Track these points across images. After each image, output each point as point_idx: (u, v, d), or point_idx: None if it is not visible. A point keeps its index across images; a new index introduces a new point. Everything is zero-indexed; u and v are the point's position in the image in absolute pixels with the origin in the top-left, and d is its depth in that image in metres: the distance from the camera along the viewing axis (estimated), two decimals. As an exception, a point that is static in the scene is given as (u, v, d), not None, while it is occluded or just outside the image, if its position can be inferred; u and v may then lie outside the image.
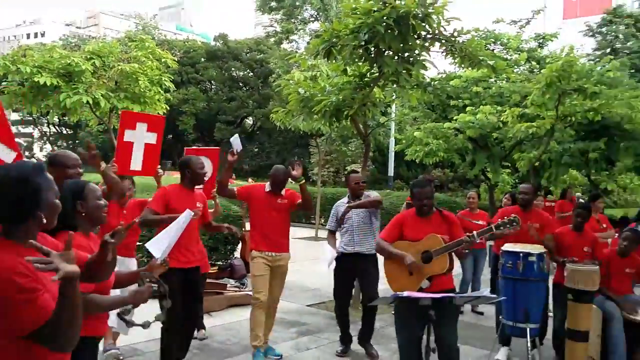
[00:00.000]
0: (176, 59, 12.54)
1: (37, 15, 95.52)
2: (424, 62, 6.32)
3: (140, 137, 4.82)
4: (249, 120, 41.97)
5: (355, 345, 5.30)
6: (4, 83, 11.48)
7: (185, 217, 3.26)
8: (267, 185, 4.93)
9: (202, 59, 39.96)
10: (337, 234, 5.39)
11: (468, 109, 13.48)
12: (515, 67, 15.54)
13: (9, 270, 1.68)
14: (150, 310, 2.80)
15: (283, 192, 4.93)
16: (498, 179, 15.66)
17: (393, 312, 6.62)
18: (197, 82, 39.36)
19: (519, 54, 15.48)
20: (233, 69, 40.32)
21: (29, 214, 1.81)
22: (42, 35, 74.18)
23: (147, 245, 3.10)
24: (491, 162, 14.65)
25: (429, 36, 6.24)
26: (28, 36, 78.89)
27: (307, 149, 31.75)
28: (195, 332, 4.92)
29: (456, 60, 6.65)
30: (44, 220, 1.84)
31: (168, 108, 11.59)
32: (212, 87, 41.40)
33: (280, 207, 4.89)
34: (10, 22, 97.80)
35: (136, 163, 4.80)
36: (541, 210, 5.82)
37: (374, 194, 5.42)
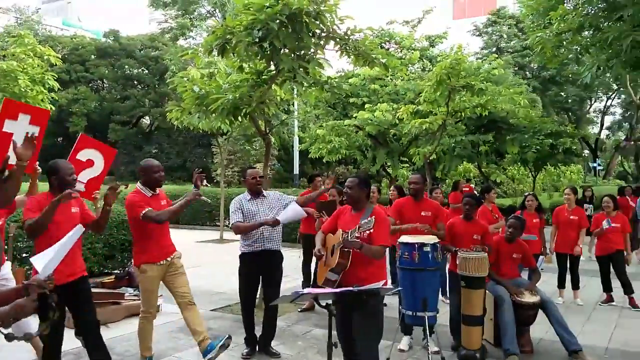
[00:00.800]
0: (61, 56, 11.73)
1: None
2: (319, 61, 6.36)
3: (22, 129, 4.34)
4: (146, 120, 40.30)
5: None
6: None
7: (75, 233, 3.03)
8: (147, 190, 4.58)
9: (92, 56, 37.72)
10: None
11: (367, 106, 13.86)
12: (409, 65, 16.19)
13: None
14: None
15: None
16: (397, 174, 16.25)
17: (299, 310, 6.67)
18: (88, 81, 37.14)
19: (412, 53, 16.14)
20: (126, 66, 38.41)
21: None
22: None
23: (32, 259, 2.91)
24: (390, 157, 15.17)
25: (323, 34, 6.29)
26: None
27: (210, 148, 31.05)
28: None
29: (351, 59, 6.77)
30: None
31: (53, 108, 10.83)
32: (105, 85, 39.25)
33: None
34: None
35: (14, 156, 4.38)
36: (431, 199, 6.06)
37: (272, 194, 5.37)
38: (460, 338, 5.02)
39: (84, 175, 5.29)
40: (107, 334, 5.43)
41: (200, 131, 14.02)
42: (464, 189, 10.87)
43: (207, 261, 10.17)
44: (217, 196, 16.34)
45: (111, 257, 7.82)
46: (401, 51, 16.90)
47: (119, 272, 7.76)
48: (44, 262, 2.79)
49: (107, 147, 5.76)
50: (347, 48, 6.51)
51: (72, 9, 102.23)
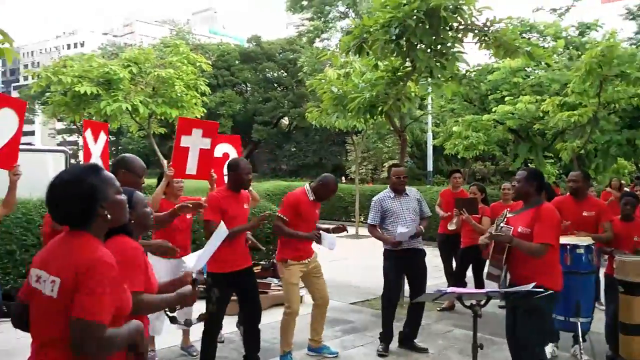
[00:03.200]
0: (210, 63, 12.72)
1: (76, 26, 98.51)
2: (457, 55, 6.21)
3: (196, 143, 4.92)
4: (285, 120, 42.18)
5: (394, 344, 5.24)
6: (47, 94, 11.90)
7: (222, 232, 3.26)
8: (311, 194, 4.82)
9: (236, 61, 40.34)
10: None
11: (507, 99, 13.20)
12: (554, 54, 15.12)
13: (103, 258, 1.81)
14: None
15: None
16: (543, 170, 15.28)
17: (438, 309, 6.58)
18: (233, 85, 39.78)
19: (556, 42, 15.05)
20: (267, 69, 40.57)
21: (91, 212, 1.87)
22: (82, 45, 76.41)
23: (184, 258, 3.21)
24: (534, 153, 14.30)
25: (461, 27, 6.13)
26: (68, 47, 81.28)
27: (344, 146, 31.67)
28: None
29: (491, 51, 6.50)
30: (109, 217, 1.90)
31: (205, 111, 11.77)
32: (248, 88, 41.79)
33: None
34: (51, 34, 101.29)
35: (191, 167, 4.92)
36: (595, 197, 5.60)
37: (413, 192, 5.35)
38: (617, 347, 4.61)
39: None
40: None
41: (336, 130, 14.37)
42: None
43: (343, 256, 10.36)
44: (352, 192, 16.62)
45: (257, 249, 8.30)
46: (544, 40, 15.87)
47: (264, 263, 8.23)
48: (194, 259, 3.06)
49: (229, 136, 6.06)
50: (487, 39, 6.27)
51: (218, 18, 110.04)
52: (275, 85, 41.46)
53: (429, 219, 5.42)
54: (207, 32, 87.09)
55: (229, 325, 5.21)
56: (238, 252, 4.30)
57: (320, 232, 4.69)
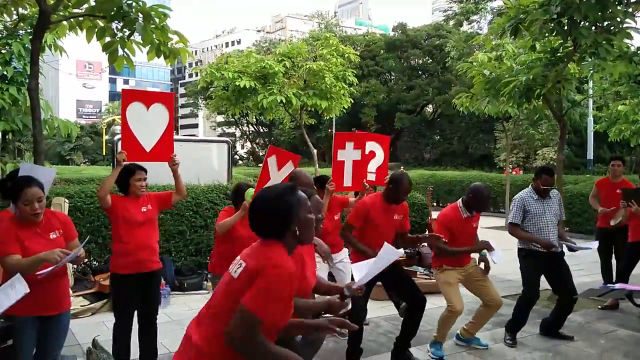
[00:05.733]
0: (358, 53, 12.94)
1: (233, 25, 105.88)
2: (628, 30, 5.65)
3: (349, 155, 5.13)
4: (429, 108, 41.45)
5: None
6: (210, 89, 13.02)
7: (393, 255, 3.21)
8: (464, 210, 4.74)
9: (382, 51, 40.41)
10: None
11: (688, 77, 11.66)
12: None
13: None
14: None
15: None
16: None
17: (600, 307, 6.11)
18: (378, 74, 39.93)
19: None
20: (412, 57, 40.10)
21: (286, 228, 2.11)
22: (238, 42, 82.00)
23: (352, 267, 3.33)
24: None
25: (632, 1, 5.56)
26: (226, 45, 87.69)
27: (492, 134, 30.32)
28: None
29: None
30: (298, 234, 2.15)
31: (352, 101, 12.04)
32: (392, 77, 41.68)
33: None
34: (211, 34, 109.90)
35: (347, 180, 5.13)
36: None
37: (554, 193, 5.12)
38: None
39: (372, 166, 5.74)
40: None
41: (485, 116, 13.81)
42: None
43: (494, 247, 9.99)
44: (502, 182, 15.90)
45: (410, 229, 8.35)
46: None
47: (409, 251, 8.27)
48: (362, 273, 3.07)
49: (380, 136, 6.09)
50: (665, 12, 5.63)
51: (364, 9, 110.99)
52: (420, 72, 40.84)
53: (564, 222, 5.24)
54: (353, 24, 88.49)
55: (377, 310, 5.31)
56: None
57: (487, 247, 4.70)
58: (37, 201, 3.10)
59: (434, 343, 4.73)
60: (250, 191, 4.24)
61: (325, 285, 2.89)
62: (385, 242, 3.26)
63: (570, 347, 4.90)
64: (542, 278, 5.03)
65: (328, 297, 2.68)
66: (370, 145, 5.81)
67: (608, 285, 3.02)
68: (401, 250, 3.39)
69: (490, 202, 16.93)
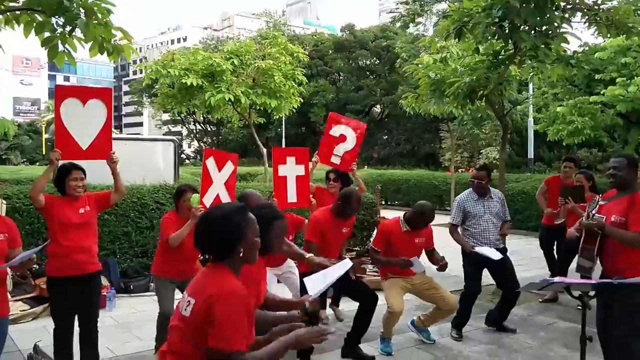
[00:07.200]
0: (306, 53, 12.96)
1: (178, 22, 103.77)
2: (565, 35, 5.91)
3: (292, 170, 5.03)
4: (377, 108, 42.02)
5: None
6: (156, 87, 12.70)
7: (344, 267, 3.29)
8: (404, 225, 4.81)
9: (330, 51, 40.68)
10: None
11: (618, 80, 12.31)
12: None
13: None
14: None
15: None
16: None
17: (540, 300, 6.36)
18: (326, 74, 40.19)
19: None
20: (360, 58, 40.55)
21: (232, 249, 2.07)
22: (184, 40, 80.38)
23: (305, 279, 3.26)
24: (646, 138, 13.25)
25: (568, 7, 5.83)
26: (172, 42, 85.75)
27: (437, 133, 31.05)
28: None
29: (600, 31, 6.11)
30: (242, 255, 2.10)
31: (302, 101, 12.02)
32: (340, 77, 42.03)
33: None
34: (155, 31, 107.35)
35: (291, 195, 5.02)
36: None
37: (497, 194, 5.31)
38: None
39: (339, 149, 5.72)
40: (348, 306, 5.87)
41: (430, 117, 14.11)
42: None
43: (441, 244, 10.22)
44: (447, 181, 16.28)
45: (352, 235, 8.44)
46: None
47: (359, 249, 8.36)
48: (316, 287, 3.07)
49: (355, 121, 6.01)
50: (598, 19, 5.91)
51: (312, 9, 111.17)
52: (368, 73, 41.34)
53: (510, 223, 5.42)
54: (302, 23, 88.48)
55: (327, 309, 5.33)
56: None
57: (411, 259, 4.71)
58: None
59: (382, 339, 4.81)
60: (196, 197, 4.14)
61: (276, 301, 2.81)
62: (347, 260, 3.47)
63: (512, 340, 5.09)
64: (487, 273, 5.18)
65: (287, 312, 2.62)
66: (341, 129, 5.75)
67: (547, 279, 3.13)
68: (350, 262, 3.47)
69: (437, 200, 17.32)
